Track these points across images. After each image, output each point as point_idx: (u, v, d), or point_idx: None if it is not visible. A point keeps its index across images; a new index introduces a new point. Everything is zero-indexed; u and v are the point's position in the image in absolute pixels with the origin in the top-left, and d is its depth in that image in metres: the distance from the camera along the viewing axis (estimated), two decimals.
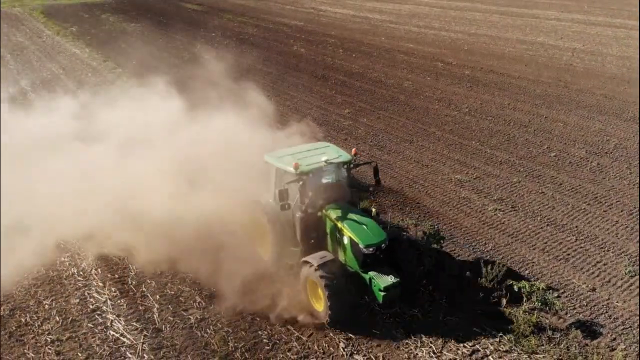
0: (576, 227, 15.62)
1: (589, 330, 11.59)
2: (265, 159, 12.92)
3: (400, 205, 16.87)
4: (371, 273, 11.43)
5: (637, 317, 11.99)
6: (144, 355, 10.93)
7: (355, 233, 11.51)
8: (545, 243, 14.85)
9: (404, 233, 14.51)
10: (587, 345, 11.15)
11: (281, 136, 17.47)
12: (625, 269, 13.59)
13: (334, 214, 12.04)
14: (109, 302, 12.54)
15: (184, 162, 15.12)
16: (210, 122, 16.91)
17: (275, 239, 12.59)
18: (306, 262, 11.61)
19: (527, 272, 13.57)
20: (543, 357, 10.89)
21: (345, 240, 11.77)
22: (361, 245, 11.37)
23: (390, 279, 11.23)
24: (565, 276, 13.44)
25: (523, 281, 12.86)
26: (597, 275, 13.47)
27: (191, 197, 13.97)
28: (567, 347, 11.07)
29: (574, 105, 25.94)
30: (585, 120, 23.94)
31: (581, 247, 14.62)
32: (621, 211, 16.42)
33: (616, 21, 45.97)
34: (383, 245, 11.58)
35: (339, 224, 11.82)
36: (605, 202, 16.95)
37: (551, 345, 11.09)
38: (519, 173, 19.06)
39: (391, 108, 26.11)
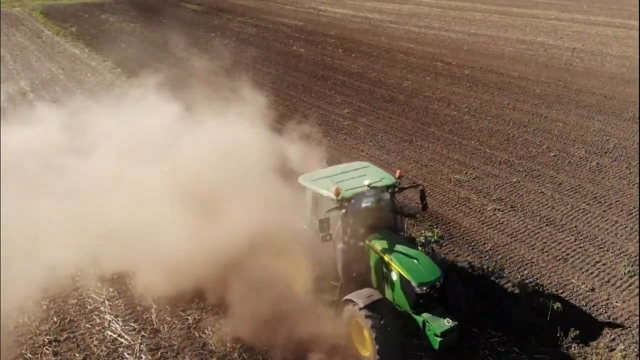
0: (575, 227, 15.59)
1: (588, 330, 11.56)
2: (300, 181, 11.81)
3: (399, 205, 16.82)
4: (425, 315, 10.19)
5: (637, 317, 11.96)
6: (142, 355, 10.92)
7: (406, 269, 10.24)
8: (545, 243, 14.82)
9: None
10: (586, 345, 11.12)
11: (285, 142, 16.92)
12: (625, 269, 13.56)
13: (379, 245, 10.79)
14: (106, 302, 12.52)
15: (187, 177, 13.66)
16: (210, 127, 16.08)
17: (313, 272, 11.21)
18: (350, 301, 10.38)
19: (526, 272, 13.54)
20: (543, 357, 10.86)
21: (394, 277, 10.49)
22: (414, 284, 10.11)
23: (447, 323, 10.03)
24: (564, 276, 13.41)
25: (522, 281, 12.84)
26: (597, 276, 13.44)
27: (202, 220, 12.53)
28: (567, 347, 11.04)
29: (573, 105, 25.90)
30: (585, 120, 23.90)
31: (580, 247, 14.59)
32: (621, 211, 16.38)
33: (616, 21, 45.94)
34: (438, 283, 10.31)
35: (386, 258, 10.55)
36: (605, 202, 16.91)
37: (551, 345, 11.06)
38: (519, 173, 19.03)
39: (390, 108, 26.08)
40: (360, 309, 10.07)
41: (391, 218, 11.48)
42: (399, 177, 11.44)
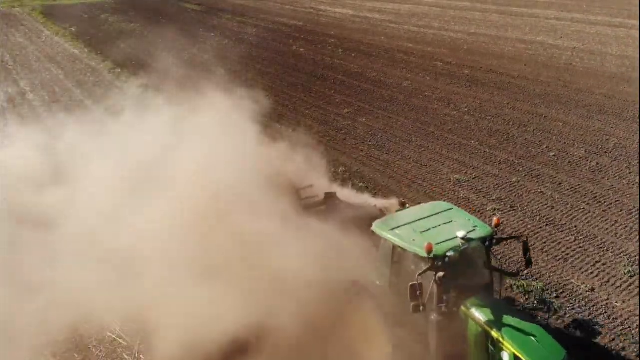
0: (575, 227, 15.57)
1: (588, 330, 11.54)
2: (375, 230, 9.70)
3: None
4: None
5: (637, 317, 11.95)
6: (141, 357, 10.89)
7: (523, 350, 8.16)
8: (544, 243, 14.81)
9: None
10: (586, 345, 11.10)
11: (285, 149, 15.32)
12: (625, 269, 13.54)
13: (481, 315, 8.64)
14: None
15: (202, 207, 10.90)
16: (213, 136, 13.60)
17: (392, 339, 9.21)
18: None
19: (525, 271, 13.47)
20: None
21: (506, 359, 8.39)
22: None
23: None
24: (564, 276, 13.39)
25: (521, 281, 12.82)
26: (596, 276, 13.42)
27: (230, 267, 10.08)
28: (567, 347, 11.00)
29: (573, 104, 25.87)
30: (585, 120, 23.87)
31: (580, 247, 14.58)
32: (621, 211, 16.36)
33: (616, 20, 45.88)
34: None
35: (494, 333, 8.42)
36: (605, 202, 16.89)
37: None
38: (518, 173, 19.01)
39: (390, 108, 26.07)
40: None
41: (486, 277, 9.46)
42: (496, 226, 9.45)
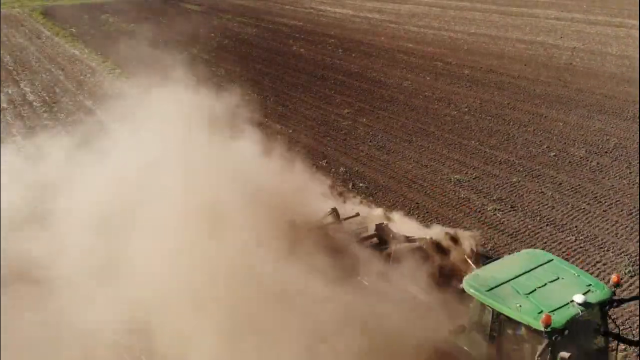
0: (576, 227, 15.58)
1: None
2: (466, 289, 8.18)
3: (400, 205, 16.82)
4: None
5: (637, 318, 11.96)
6: (142, 357, 10.86)
7: None
8: (545, 243, 14.81)
9: None
10: None
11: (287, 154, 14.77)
12: (625, 269, 13.56)
13: None
14: None
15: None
16: (212, 140, 13.14)
17: None
18: None
19: None
20: None
21: None
22: None
23: None
24: None
25: None
26: (597, 276, 13.39)
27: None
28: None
29: (573, 104, 25.88)
30: (585, 120, 23.88)
31: (581, 247, 14.59)
32: (621, 211, 16.37)
33: (616, 20, 45.88)
34: None
35: None
36: (605, 202, 16.90)
37: None
38: (519, 173, 19.01)
39: (390, 108, 26.06)
40: None
41: (600, 344, 8.16)
42: (616, 285, 7.94)
